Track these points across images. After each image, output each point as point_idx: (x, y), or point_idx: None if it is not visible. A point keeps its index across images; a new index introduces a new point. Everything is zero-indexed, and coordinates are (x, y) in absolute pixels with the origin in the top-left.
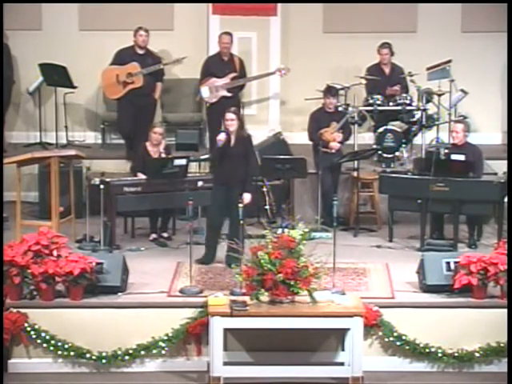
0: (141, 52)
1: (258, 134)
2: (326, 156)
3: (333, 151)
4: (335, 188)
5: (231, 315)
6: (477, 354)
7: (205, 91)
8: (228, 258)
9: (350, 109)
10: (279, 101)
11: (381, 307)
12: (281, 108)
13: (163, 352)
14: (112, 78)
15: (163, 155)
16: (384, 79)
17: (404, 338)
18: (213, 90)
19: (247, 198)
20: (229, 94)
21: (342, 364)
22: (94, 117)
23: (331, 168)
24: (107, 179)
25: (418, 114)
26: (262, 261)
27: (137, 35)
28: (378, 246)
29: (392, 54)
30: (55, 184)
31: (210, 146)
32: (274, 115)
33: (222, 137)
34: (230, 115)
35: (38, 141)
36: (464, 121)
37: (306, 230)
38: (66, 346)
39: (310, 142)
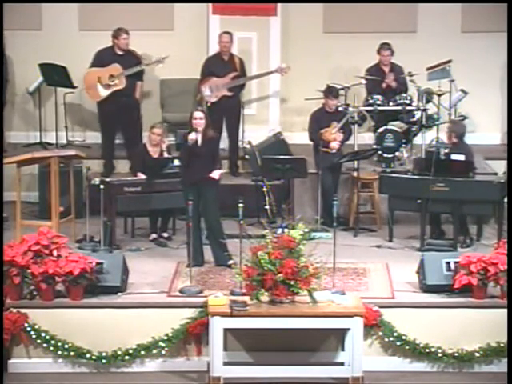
0: (120, 52)
1: (258, 134)
2: (326, 156)
3: (333, 151)
4: (335, 188)
5: (231, 315)
6: (477, 354)
7: (205, 90)
8: (223, 258)
9: (351, 109)
10: (279, 101)
11: (381, 307)
12: (281, 108)
13: (163, 352)
14: (94, 81)
15: (166, 154)
16: (384, 79)
17: (404, 338)
18: (213, 90)
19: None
20: (229, 94)
21: (342, 364)
22: (93, 117)
23: (331, 168)
24: (107, 179)
25: (418, 114)
26: (262, 261)
27: (120, 39)
28: (378, 246)
29: (392, 53)
30: (55, 184)
31: (182, 149)
32: (274, 115)
33: (193, 136)
34: (198, 114)
35: (38, 141)
36: (454, 120)
37: (306, 230)
38: (66, 346)
39: (310, 142)
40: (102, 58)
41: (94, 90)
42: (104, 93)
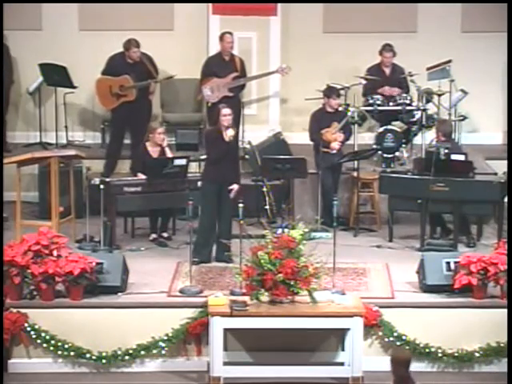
0: (132, 62)
1: (258, 134)
2: (326, 156)
3: (334, 151)
4: (335, 188)
5: (231, 315)
6: (477, 354)
7: (206, 91)
8: (225, 256)
9: (352, 109)
10: (279, 101)
11: (381, 307)
12: (281, 108)
13: (163, 352)
14: (105, 89)
15: (168, 150)
16: (384, 80)
17: (404, 338)
18: (214, 90)
19: (236, 187)
20: (230, 94)
21: (341, 364)
22: (93, 117)
23: (332, 168)
24: (107, 179)
25: (418, 114)
26: (262, 261)
27: (130, 52)
28: (378, 246)
29: (394, 55)
30: (55, 184)
31: (208, 145)
32: (274, 115)
33: (232, 132)
34: (227, 110)
35: (38, 141)
36: (440, 119)
37: (306, 230)
38: (66, 346)
39: (310, 142)
40: (114, 66)
41: (105, 99)
42: (113, 102)
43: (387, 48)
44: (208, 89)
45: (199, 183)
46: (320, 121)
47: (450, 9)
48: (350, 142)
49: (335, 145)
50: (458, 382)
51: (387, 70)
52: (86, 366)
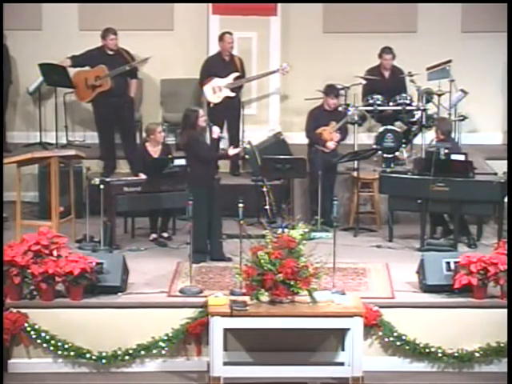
0: (111, 53)
1: (258, 134)
2: (325, 155)
3: (327, 150)
4: (332, 187)
5: (231, 315)
6: (477, 354)
7: (208, 91)
8: (220, 254)
9: (351, 109)
10: (279, 101)
11: (381, 307)
12: (281, 108)
13: (163, 352)
14: (81, 82)
15: (173, 151)
16: (383, 82)
17: (404, 338)
18: (216, 90)
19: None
20: (233, 94)
21: (342, 364)
22: (93, 117)
23: (329, 167)
24: (107, 179)
25: (417, 114)
26: (262, 261)
27: (107, 39)
28: (378, 246)
29: (394, 57)
30: (55, 184)
31: (196, 149)
32: (274, 115)
33: (219, 129)
34: (201, 111)
35: (38, 141)
36: (439, 118)
37: (306, 230)
38: (66, 346)
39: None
40: (91, 58)
41: (80, 92)
42: (89, 94)
43: (386, 50)
44: (210, 89)
45: None
46: (317, 119)
47: (450, 9)
48: (350, 142)
49: (331, 144)
50: (458, 382)
51: (386, 73)
52: (86, 366)
